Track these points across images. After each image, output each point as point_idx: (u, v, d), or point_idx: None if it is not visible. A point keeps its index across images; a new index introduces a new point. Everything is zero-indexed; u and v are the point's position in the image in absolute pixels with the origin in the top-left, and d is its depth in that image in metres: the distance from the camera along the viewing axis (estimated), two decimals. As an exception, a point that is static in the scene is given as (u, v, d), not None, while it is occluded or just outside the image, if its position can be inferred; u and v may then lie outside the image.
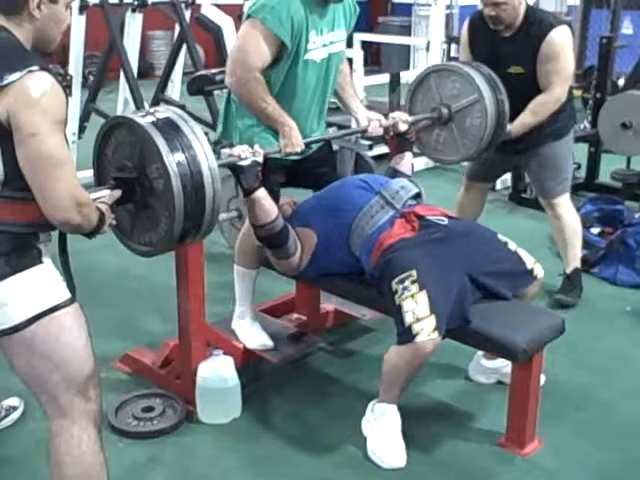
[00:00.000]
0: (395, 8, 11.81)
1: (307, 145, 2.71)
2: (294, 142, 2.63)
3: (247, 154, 2.39)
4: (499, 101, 3.08)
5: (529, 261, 2.62)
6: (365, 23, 10.33)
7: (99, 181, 2.11)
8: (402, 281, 2.36)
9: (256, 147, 2.44)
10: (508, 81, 3.15)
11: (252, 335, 2.90)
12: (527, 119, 3.23)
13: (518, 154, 3.40)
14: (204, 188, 2.02)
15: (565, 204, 3.48)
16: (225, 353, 2.67)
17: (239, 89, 2.64)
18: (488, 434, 2.57)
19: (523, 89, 3.20)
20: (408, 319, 2.32)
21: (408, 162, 2.93)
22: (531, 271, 2.61)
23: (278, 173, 2.75)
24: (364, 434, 2.49)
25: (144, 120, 2.01)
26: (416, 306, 2.32)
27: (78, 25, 5.35)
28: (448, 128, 3.19)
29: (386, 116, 2.99)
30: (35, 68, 1.65)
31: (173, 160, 1.95)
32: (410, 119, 2.98)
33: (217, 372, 2.61)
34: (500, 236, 2.64)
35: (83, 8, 5.31)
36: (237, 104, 2.73)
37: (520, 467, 2.44)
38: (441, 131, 3.22)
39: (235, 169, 2.40)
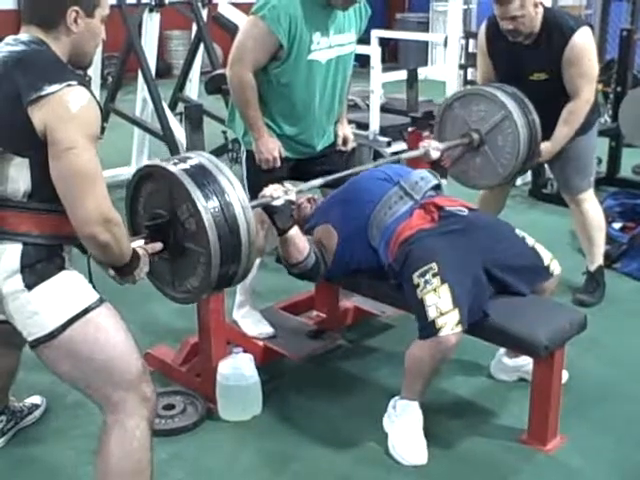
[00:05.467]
0: (412, 4, 11.78)
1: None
2: (262, 149, 2.75)
3: (279, 193, 2.36)
4: (527, 113, 3.02)
5: (546, 257, 2.59)
6: (383, 20, 10.32)
7: (133, 232, 2.08)
8: (423, 274, 2.34)
9: (287, 185, 2.41)
10: (531, 88, 3.12)
11: (252, 324, 2.95)
12: (563, 130, 3.20)
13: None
14: (240, 235, 1.96)
15: (590, 199, 3.45)
16: (245, 351, 2.68)
17: (232, 82, 2.73)
18: (510, 431, 2.55)
19: (547, 94, 3.15)
20: (431, 313, 2.30)
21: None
22: (547, 267, 2.58)
23: (281, 168, 2.77)
24: (385, 430, 2.48)
25: (175, 168, 1.97)
26: (439, 300, 2.30)
27: (96, 26, 5.39)
28: (481, 152, 3.14)
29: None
30: (74, 83, 1.69)
31: (201, 195, 1.91)
32: (441, 146, 2.97)
33: (237, 370, 2.62)
34: (518, 231, 2.62)
35: (101, 9, 5.34)
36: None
37: (542, 463, 2.42)
38: (475, 157, 3.18)
39: (269, 210, 2.37)
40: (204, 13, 5.48)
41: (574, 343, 2.48)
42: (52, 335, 1.78)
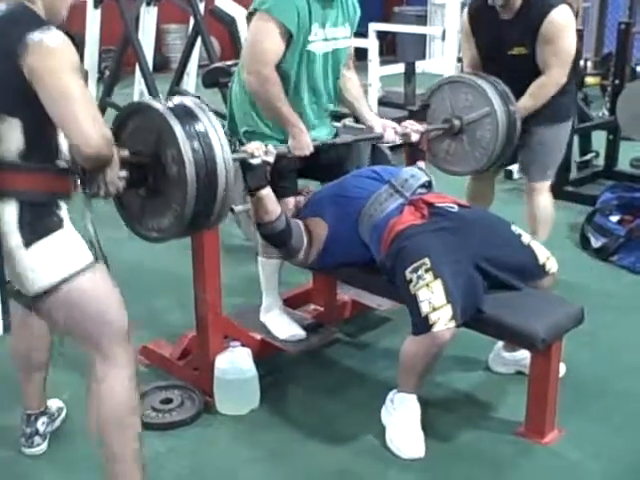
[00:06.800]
0: (410, -3, 11.74)
1: (317, 148, 2.70)
2: (303, 145, 2.65)
3: (260, 152, 2.40)
4: (511, 115, 3.08)
5: (542, 255, 2.57)
6: (380, 13, 10.30)
7: None
8: (416, 270, 2.34)
9: (269, 146, 2.44)
10: (511, 63, 3.15)
11: (283, 326, 2.90)
12: (527, 102, 3.19)
13: None
14: (217, 177, 2.07)
15: (543, 192, 3.42)
16: (242, 345, 2.68)
17: (256, 87, 2.63)
18: (508, 424, 2.55)
19: (526, 70, 3.17)
20: (424, 309, 2.30)
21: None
22: (543, 266, 2.57)
23: (292, 160, 2.75)
24: (383, 423, 2.49)
25: (162, 106, 2.07)
26: (432, 295, 2.30)
27: (93, 19, 5.39)
28: (459, 139, 3.19)
29: (399, 122, 3.00)
30: (53, 28, 1.78)
31: (189, 147, 1.99)
32: (422, 129, 2.99)
33: (235, 364, 2.62)
34: (514, 227, 2.61)
35: (98, 2, 5.35)
36: (248, 95, 2.72)
37: (540, 456, 2.42)
38: (452, 142, 3.23)
39: (244, 166, 2.41)
40: (201, 6, 5.46)
41: (571, 336, 2.48)
42: (49, 291, 1.86)
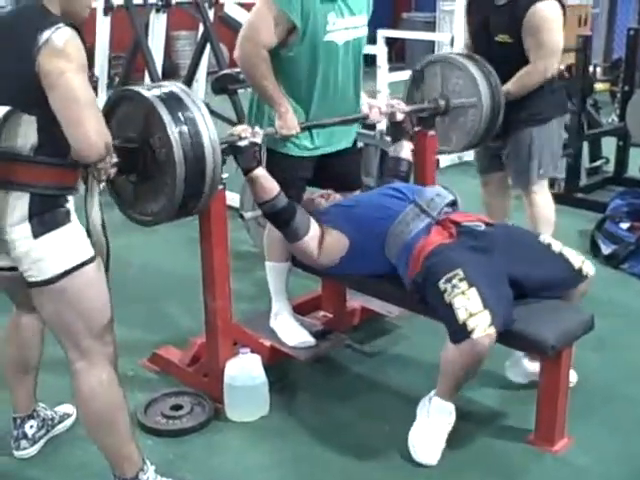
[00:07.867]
0: (419, 4, 11.76)
1: (305, 129, 2.70)
2: (289, 124, 2.65)
3: (247, 134, 2.47)
4: (496, 108, 3.10)
5: (576, 261, 2.53)
6: (389, 19, 10.31)
7: None
8: (449, 280, 2.30)
9: (256, 128, 2.51)
10: (496, 49, 3.18)
11: (292, 332, 2.89)
12: (511, 87, 3.21)
13: (498, 138, 3.34)
14: (205, 158, 2.16)
15: (541, 192, 3.40)
16: (252, 351, 2.68)
17: (244, 63, 2.67)
18: (518, 431, 2.54)
19: (509, 58, 3.19)
20: (461, 315, 2.25)
21: (407, 150, 2.97)
22: (579, 270, 2.53)
23: (305, 168, 2.75)
24: (416, 412, 2.45)
25: (150, 93, 2.15)
26: (468, 302, 2.26)
27: (103, 26, 5.42)
28: (442, 119, 3.22)
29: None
30: (61, 25, 1.82)
31: (176, 130, 2.09)
32: (407, 109, 3.01)
33: (244, 370, 2.62)
34: (542, 237, 2.60)
35: (108, 9, 5.37)
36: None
37: (550, 464, 2.41)
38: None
39: (233, 149, 2.46)
40: (210, 13, 5.48)
41: (581, 344, 2.48)
42: (49, 281, 1.94)
